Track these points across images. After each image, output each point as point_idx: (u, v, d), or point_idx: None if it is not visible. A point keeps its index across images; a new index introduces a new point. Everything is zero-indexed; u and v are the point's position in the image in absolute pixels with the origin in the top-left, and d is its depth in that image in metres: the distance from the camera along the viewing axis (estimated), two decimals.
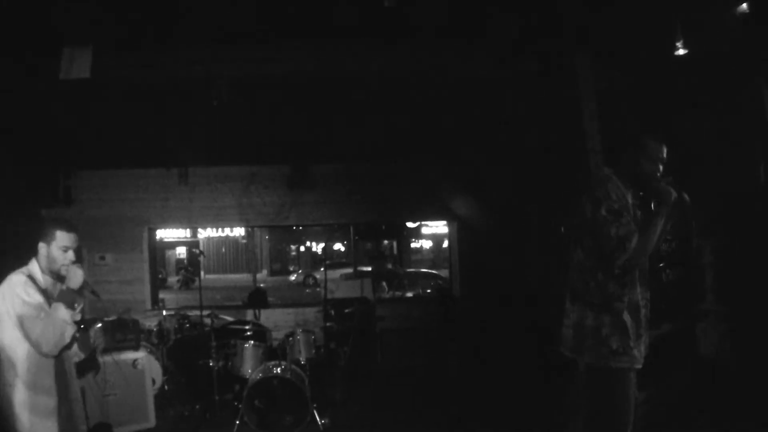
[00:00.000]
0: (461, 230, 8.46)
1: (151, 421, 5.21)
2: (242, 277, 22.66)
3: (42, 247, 2.91)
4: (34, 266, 2.93)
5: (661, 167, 2.97)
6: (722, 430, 4.02)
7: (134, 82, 4.50)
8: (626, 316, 2.91)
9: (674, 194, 2.86)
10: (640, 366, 2.95)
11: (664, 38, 3.75)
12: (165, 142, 6.61)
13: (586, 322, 2.97)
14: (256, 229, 13.63)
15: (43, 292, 2.85)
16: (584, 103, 4.52)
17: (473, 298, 8.06)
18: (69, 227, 2.96)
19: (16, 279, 2.80)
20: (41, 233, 2.92)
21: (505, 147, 6.95)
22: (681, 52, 3.71)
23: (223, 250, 23.43)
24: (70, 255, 2.92)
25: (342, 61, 4.57)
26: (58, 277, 2.92)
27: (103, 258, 7.68)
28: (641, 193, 3.03)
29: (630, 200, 2.98)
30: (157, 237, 8.81)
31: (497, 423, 5.39)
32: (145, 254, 7.91)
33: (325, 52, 4.53)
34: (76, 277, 2.86)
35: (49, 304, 2.81)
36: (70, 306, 2.81)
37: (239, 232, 21.29)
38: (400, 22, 4.13)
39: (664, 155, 2.98)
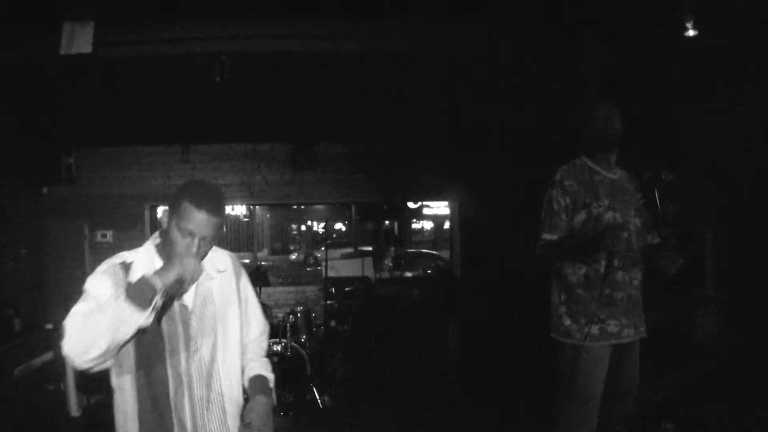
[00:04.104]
0: (463, 211, 8.44)
1: None
2: (243, 256, 22.73)
3: (165, 221, 1.95)
4: (146, 246, 2.01)
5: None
6: (720, 418, 4.05)
7: (136, 58, 4.46)
8: (577, 290, 2.79)
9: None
10: (582, 344, 2.71)
11: (672, 20, 3.68)
12: (166, 119, 6.58)
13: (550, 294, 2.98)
14: (257, 207, 13.59)
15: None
16: (588, 85, 4.48)
17: (474, 278, 8.08)
18: (203, 202, 1.85)
19: (102, 265, 1.92)
20: (171, 201, 1.91)
21: (507, 130, 6.91)
22: (690, 33, 3.63)
23: (225, 228, 23.49)
24: (193, 244, 1.86)
25: (344, 39, 4.53)
26: None
27: (104, 235, 7.70)
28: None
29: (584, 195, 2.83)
30: (159, 215, 8.81)
31: (498, 403, 5.44)
32: (147, 232, 7.90)
33: (329, 30, 4.49)
34: (172, 270, 1.76)
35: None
36: (141, 303, 1.69)
37: (240, 210, 21.29)
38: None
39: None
